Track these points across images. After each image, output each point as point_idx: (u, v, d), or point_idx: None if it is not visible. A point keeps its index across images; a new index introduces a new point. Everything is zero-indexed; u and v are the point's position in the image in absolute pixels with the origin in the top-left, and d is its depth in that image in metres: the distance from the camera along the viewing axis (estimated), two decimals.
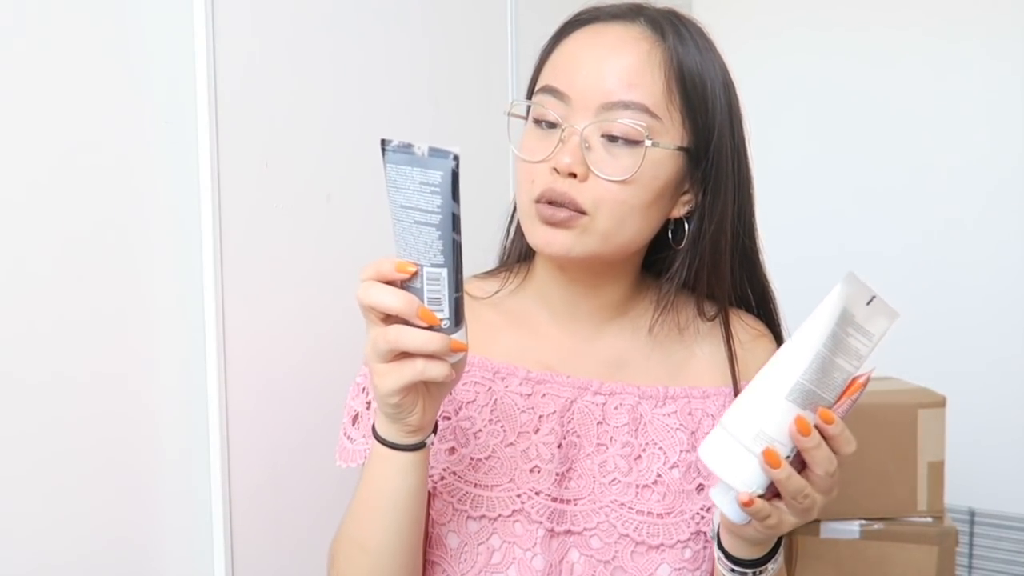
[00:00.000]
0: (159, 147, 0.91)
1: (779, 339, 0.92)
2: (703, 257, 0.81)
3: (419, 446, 0.71)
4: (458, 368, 0.68)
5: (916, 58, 2.10)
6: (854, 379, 0.67)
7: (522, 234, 0.87)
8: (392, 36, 1.23)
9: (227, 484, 0.97)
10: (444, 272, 0.63)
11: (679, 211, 0.82)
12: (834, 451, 0.66)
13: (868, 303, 0.67)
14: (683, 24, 0.80)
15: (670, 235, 0.83)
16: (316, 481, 1.10)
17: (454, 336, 0.65)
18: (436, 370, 0.65)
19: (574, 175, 0.75)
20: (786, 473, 0.65)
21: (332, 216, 1.12)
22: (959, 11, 2.05)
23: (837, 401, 0.67)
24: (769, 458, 0.64)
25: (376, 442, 0.71)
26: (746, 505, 0.66)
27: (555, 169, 0.75)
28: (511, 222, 0.91)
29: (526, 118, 0.82)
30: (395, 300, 0.63)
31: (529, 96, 0.83)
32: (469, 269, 0.94)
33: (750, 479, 0.66)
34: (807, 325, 0.67)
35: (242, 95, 0.99)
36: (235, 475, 0.99)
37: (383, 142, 0.62)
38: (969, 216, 2.07)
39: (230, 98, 0.97)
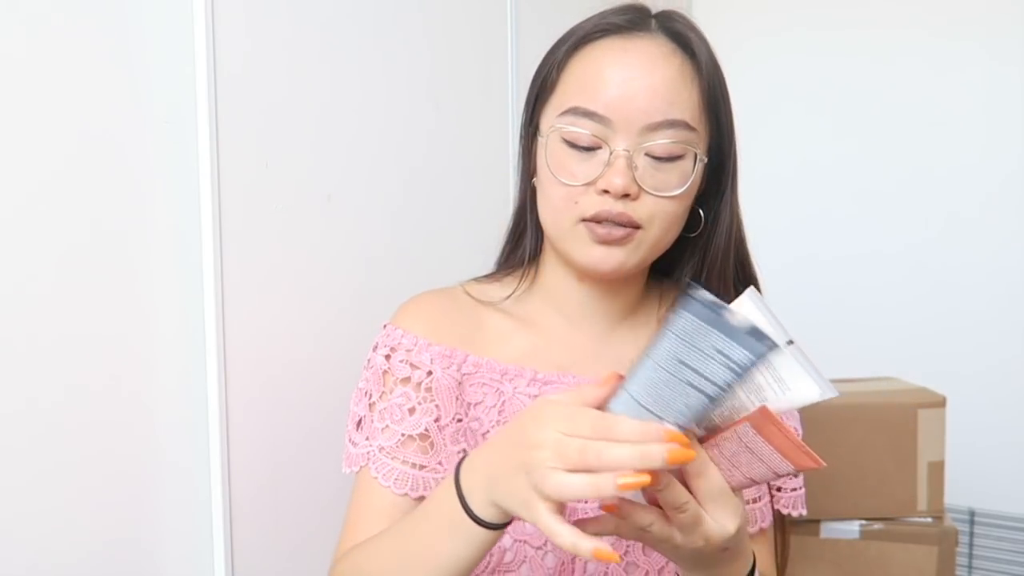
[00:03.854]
0: (159, 147, 0.91)
1: None
2: (717, 248, 0.85)
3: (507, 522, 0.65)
4: None
5: (916, 57, 2.09)
6: None
7: (529, 239, 0.88)
8: (392, 36, 1.23)
9: (227, 485, 0.97)
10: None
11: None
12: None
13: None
14: (693, 30, 0.81)
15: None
16: (316, 482, 1.10)
17: None
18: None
19: (626, 195, 0.76)
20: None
21: (332, 216, 1.12)
22: (959, 11, 2.05)
23: None
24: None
25: (468, 519, 0.64)
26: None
27: (605, 191, 0.76)
28: (513, 231, 0.91)
29: (534, 136, 0.82)
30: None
31: (532, 112, 0.83)
32: (472, 270, 0.94)
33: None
34: None
35: (242, 95, 0.99)
36: (235, 476, 0.99)
37: (688, 284, 0.58)
38: (969, 216, 2.07)
39: (230, 98, 0.97)
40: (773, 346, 0.56)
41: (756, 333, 0.56)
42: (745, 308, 0.66)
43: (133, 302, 0.89)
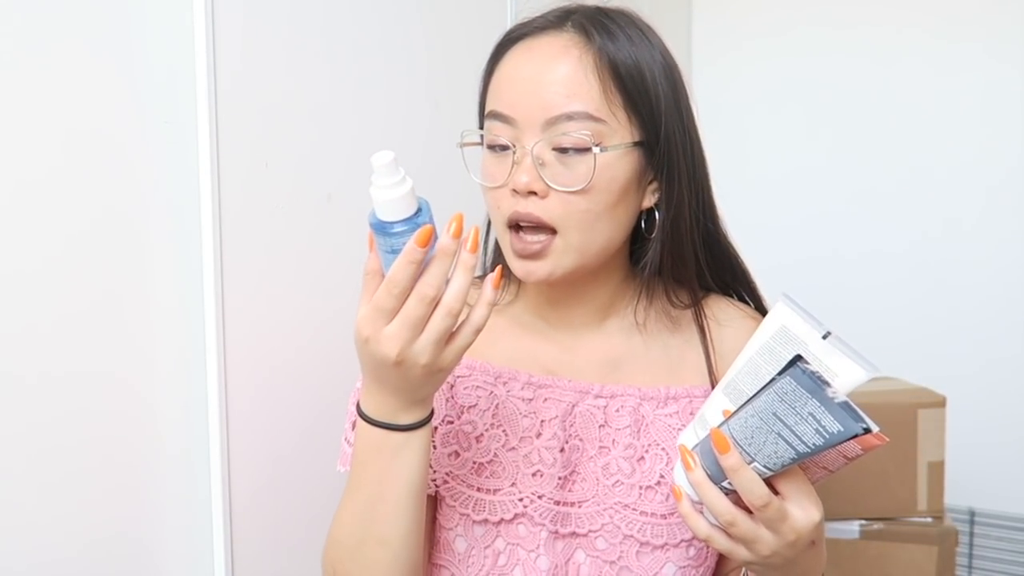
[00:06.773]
0: (159, 147, 0.91)
1: (763, 313, 0.91)
2: (665, 244, 0.81)
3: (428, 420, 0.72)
4: None
5: (916, 58, 2.10)
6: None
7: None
8: (391, 37, 1.23)
9: (227, 483, 0.98)
10: (765, 476, 0.66)
11: (649, 201, 0.81)
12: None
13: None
14: (610, 19, 0.79)
15: (642, 225, 0.83)
16: (316, 480, 1.10)
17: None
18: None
19: (534, 193, 0.75)
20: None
21: (332, 216, 1.12)
22: (959, 11, 2.06)
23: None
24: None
25: (388, 431, 0.71)
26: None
27: (514, 191, 0.76)
28: (488, 233, 0.92)
29: (482, 144, 0.82)
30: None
31: (480, 122, 0.83)
32: None
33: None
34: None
35: (242, 95, 0.99)
36: (235, 474, 0.99)
37: (798, 357, 0.64)
38: (969, 216, 2.07)
39: (230, 98, 0.97)
40: (867, 428, 0.61)
41: (850, 409, 0.61)
42: (780, 311, 0.72)
43: (133, 301, 0.89)
